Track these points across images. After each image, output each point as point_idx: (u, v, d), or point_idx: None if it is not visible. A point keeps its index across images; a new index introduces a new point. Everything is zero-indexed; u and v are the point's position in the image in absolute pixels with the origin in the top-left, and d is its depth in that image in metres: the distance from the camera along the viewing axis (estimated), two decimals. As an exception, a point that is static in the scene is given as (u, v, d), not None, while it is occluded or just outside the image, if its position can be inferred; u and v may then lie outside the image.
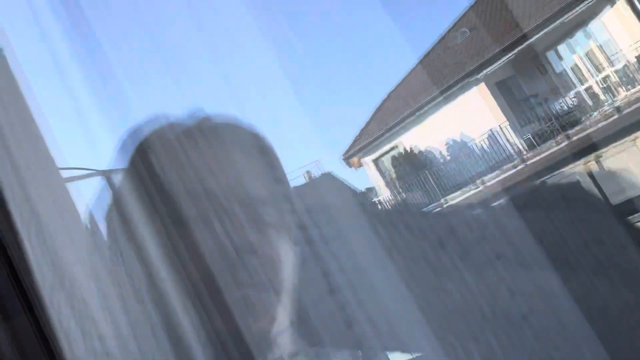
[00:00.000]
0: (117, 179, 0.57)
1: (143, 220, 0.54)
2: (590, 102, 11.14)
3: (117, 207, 0.55)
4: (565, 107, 11.45)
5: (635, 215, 8.02)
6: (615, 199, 9.42)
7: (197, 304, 0.53)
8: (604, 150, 10.10)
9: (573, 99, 11.39)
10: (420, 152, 13.31)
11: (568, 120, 11.09)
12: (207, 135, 0.58)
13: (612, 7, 10.59)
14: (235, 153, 0.58)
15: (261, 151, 0.61)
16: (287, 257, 0.59)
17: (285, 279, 0.59)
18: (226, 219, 0.55)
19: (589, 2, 10.42)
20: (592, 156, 10.23)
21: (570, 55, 11.56)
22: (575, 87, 11.40)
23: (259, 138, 0.62)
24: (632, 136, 9.69)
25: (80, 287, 0.53)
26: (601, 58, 11.01)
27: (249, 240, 0.56)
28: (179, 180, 0.55)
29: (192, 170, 0.56)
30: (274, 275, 0.58)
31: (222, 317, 0.53)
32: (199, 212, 0.55)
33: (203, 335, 0.52)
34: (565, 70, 11.67)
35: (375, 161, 14.40)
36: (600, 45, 11.04)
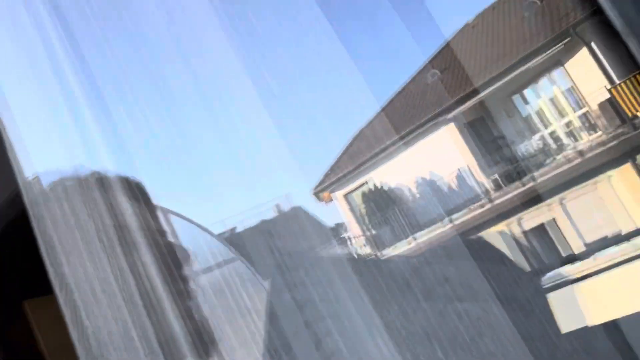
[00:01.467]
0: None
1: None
2: (554, 146, 11.49)
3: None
4: (531, 150, 11.77)
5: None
6: (589, 237, 9.64)
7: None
8: (567, 192, 10.37)
9: (538, 142, 11.73)
10: (390, 189, 13.45)
11: (534, 163, 11.41)
12: (95, 184, 0.65)
13: (574, 56, 11.05)
14: (119, 198, 0.66)
15: (138, 196, 0.69)
16: None
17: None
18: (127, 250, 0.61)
19: (552, 52, 10.86)
20: (556, 198, 10.48)
21: (536, 100, 11.96)
22: (540, 130, 11.76)
23: (138, 186, 0.71)
24: (593, 180, 9.99)
25: None
26: (565, 104, 11.42)
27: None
28: (76, 221, 0.61)
29: (84, 214, 0.62)
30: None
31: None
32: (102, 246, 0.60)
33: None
34: (530, 114, 12.04)
35: (346, 196, 14.47)
36: (564, 91, 11.46)
